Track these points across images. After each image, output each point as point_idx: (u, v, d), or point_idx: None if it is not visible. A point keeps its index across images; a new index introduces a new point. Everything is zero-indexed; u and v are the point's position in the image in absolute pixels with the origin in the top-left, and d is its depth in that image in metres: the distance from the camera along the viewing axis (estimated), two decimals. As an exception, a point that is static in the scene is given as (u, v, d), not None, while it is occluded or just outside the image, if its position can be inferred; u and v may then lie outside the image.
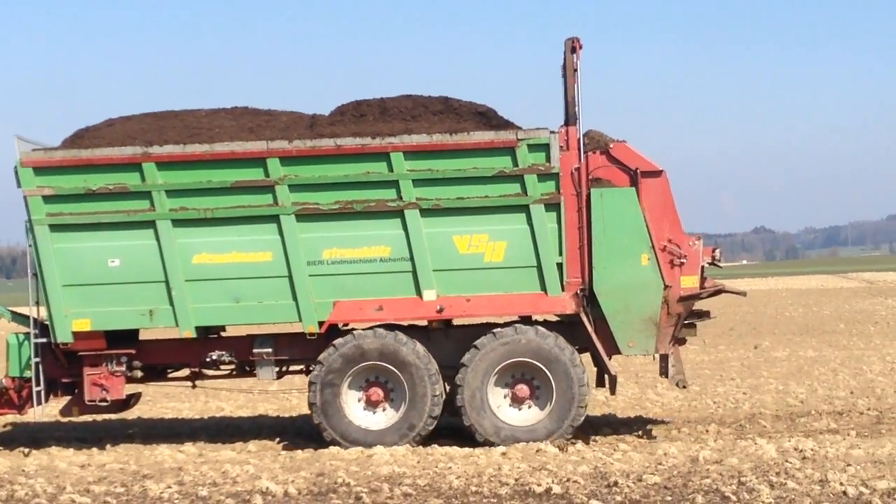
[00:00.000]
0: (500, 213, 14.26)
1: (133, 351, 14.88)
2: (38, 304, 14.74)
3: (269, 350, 14.75)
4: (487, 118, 14.71)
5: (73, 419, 16.04)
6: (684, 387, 15.05)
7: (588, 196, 14.27)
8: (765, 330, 34.83)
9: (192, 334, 14.48)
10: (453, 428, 14.65)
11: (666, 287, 14.21)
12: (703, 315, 14.95)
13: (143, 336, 15.36)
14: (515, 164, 14.20)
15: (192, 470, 13.00)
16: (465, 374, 14.23)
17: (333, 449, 14.12)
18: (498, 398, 14.38)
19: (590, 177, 14.28)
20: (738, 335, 32.91)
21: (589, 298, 14.34)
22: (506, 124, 14.58)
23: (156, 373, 15.39)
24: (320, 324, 14.36)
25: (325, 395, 14.32)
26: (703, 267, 14.50)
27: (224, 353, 14.88)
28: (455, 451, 13.85)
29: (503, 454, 13.54)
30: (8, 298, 27.14)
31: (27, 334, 14.83)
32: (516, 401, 14.42)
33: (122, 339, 14.89)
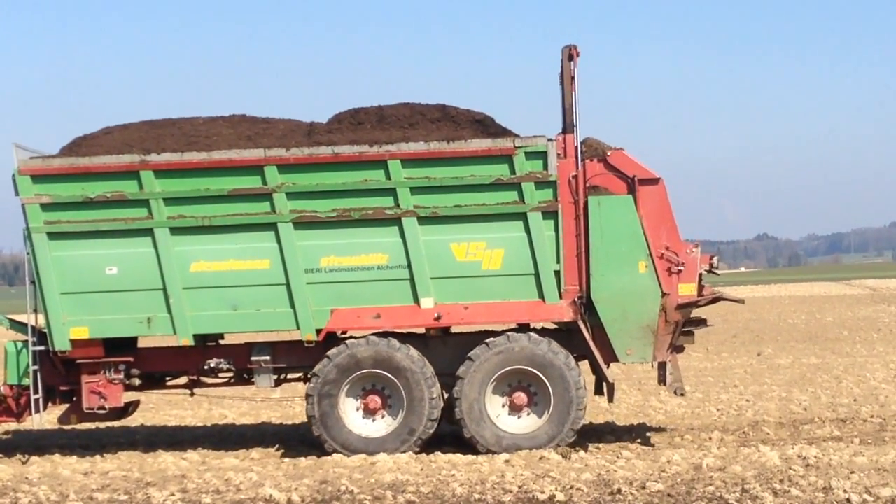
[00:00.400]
0: (498, 220, 14.25)
1: (131, 359, 14.87)
2: (36, 311, 14.74)
3: (268, 358, 14.75)
4: (485, 126, 14.71)
5: (76, 427, 16.03)
6: (682, 394, 15.04)
7: (585, 204, 14.25)
8: (768, 337, 34.78)
9: (189, 342, 14.47)
10: (456, 435, 14.63)
11: (664, 295, 14.19)
12: (700, 323, 14.93)
13: (141, 344, 15.36)
14: (513, 171, 14.19)
15: (195, 477, 13.00)
16: (462, 386, 14.21)
17: (336, 456, 14.13)
18: (496, 408, 14.36)
19: (587, 184, 14.26)
20: (741, 342, 32.88)
21: (587, 306, 14.32)
22: (503, 132, 14.58)
23: (154, 381, 15.37)
24: (318, 331, 14.35)
25: (323, 407, 14.30)
26: (701, 274, 14.49)
27: (222, 360, 14.87)
28: (458, 458, 13.85)
29: (506, 462, 13.53)
30: (10, 306, 27.20)
31: (25, 342, 14.83)
32: (515, 409, 14.40)
33: (121, 346, 14.88)
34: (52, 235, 14.38)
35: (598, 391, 15.41)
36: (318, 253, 14.31)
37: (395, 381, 14.28)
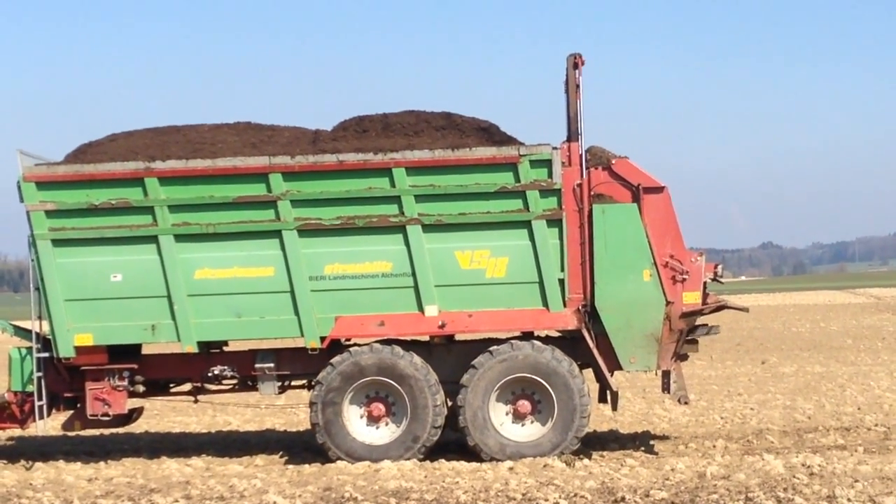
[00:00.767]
0: (502, 228, 14.26)
1: (135, 365, 14.89)
2: (40, 318, 14.77)
3: (272, 365, 14.75)
4: (490, 134, 14.72)
5: (80, 433, 16.04)
6: (686, 402, 15.02)
7: (590, 212, 14.25)
8: (772, 345, 34.76)
9: (193, 349, 14.49)
10: (460, 443, 14.63)
11: (668, 303, 14.18)
12: (711, 329, 14.92)
13: (145, 350, 15.36)
14: (517, 179, 14.19)
15: (199, 484, 13.02)
16: (466, 395, 14.21)
17: (341, 463, 14.13)
18: (500, 415, 14.36)
19: (592, 193, 14.27)
20: (745, 350, 32.86)
21: (591, 314, 14.32)
22: (508, 140, 14.60)
23: (158, 387, 15.40)
24: (322, 339, 14.35)
25: (326, 415, 14.30)
26: (705, 283, 14.48)
27: (226, 367, 14.89)
28: (462, 465, 13.85)
29: (510, 469, 13.52)
30: (15, 312, 27.14)
31: (29, 349, 14.85)
32: (519, 417, 14.40)
33: (125, 353, 14.89)
34: (57, 242, 14.40)
35: (602, 399, 15.39)
36: (322, 260, 14.32)
37: (399, 388, 14.28)
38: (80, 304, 14.42)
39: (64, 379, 14.84)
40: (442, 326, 14.31)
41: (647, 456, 14.61)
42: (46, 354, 14.66)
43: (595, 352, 14.28)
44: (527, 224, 14.24)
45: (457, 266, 14.30)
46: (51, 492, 12.87)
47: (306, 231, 14.30)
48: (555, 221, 14.25)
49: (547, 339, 14.69)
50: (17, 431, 16.76)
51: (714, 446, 15.30)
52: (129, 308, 14.42)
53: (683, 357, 14.85)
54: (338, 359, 14.34)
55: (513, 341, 14.40)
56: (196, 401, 15.68)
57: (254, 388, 15.10)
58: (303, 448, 15.78)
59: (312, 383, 14.58)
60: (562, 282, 14.28)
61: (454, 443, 14.83)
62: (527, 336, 14.67)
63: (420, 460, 14.18)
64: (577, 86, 14.38)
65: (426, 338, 14.66)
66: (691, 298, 14.28)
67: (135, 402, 15.69)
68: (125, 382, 14.79)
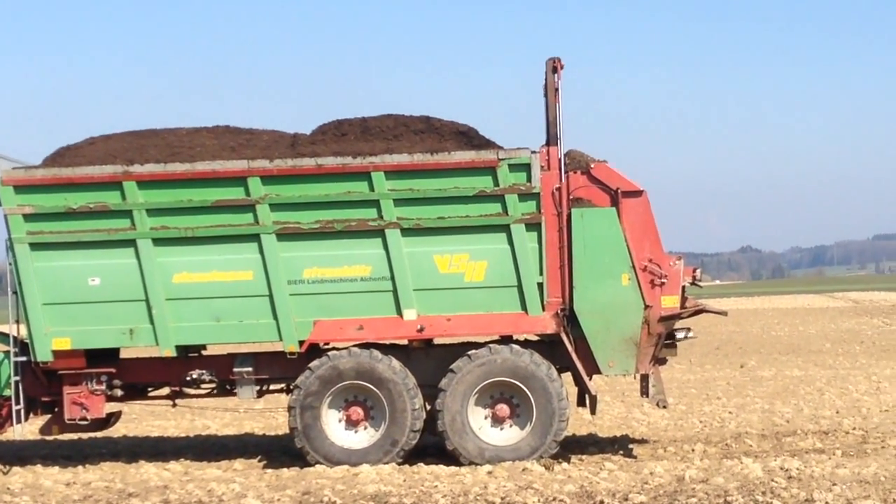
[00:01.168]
0: (481, 232, 14.26)
1: (113, 370, 14.83)
2: (18, 322, 14.70)
3: (250, 369, 14.72)
4: (469, 138, 14.73)
5: (58, 437, 15.97)
6: (664, 406, 15.07)
7: (569, 216, 14.27)
8: (751, 349, 34.85)
9: (172, 353, 14.44)
10: (439, 447, 14.61)
11: (646, 307, 14.21)
12: (687, 334, 14.94)
13: (123, 355, 15.32)
14: (496, 183, 14.20)
15: (177, 488, 12.99)
16: (444, 399, 14.21)
17: (319, 467, 14.11)
18: (479, 419, 14.36)
19: (570, 197, 14.28)
20: (724, 354, 32.93)
21: (569, 318, 14.32)
22: (487, 144, 14.60)
23: (136, 391, 15.33)
24: (301, 343, 14.33)
25: (305, 419, 14.28)
26: (684, 287, 14.51)
27: (204, 372, 14.86)
28: (441, 469, 13.83)
29: (489, 473, 13.52)
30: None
31: (7, 352, 14.78)
32: (497, 420, 14.40)
33: (103, 357, 14.84)
34: (35, 246, 14.34)
35: (581, 403, 15.40)
36: (301, 264, 14.30)
37: (378, 392, 14.26)
38: (58, 307, 14.36)
39: (42, 383, 14.78)
40: (420, 330, 14.30)
41: (625, 460, 14.62)
42: (24, 358, 14.58)
43: (574, 356, 14.30)
44: (506, 228, 14.24)
45: (435, 270, 14.29)
46: (28, 496, 12.83)
47: (285, 235, 14.27)
48: (534, 225, 14.26)
49: (526, 343, 14.72)
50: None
51: (693, 450, 15.32)
52: (107, 312, 14.36)
53: (662, 361, 14.88)
54: (316, 363, 14.32)
55: (491, 345, 14.41)
56: (174, 405, 15.63)
57: (232, 393, 15.05)
58: (281, 452, 15.75)
59: (291, 387, 14.57)
60: (540, 286, 14.29)
61: (433, 446, 14.82)
62: (505, 340, 14.70)
63: (399, 464, 14.17)
64: (556, 90, 14.39)
65: (405, 342, 14.64)
66: (670, 302, 14.30)
67: (113, 407, 15.64)
68: (103, 386, 14.74)
